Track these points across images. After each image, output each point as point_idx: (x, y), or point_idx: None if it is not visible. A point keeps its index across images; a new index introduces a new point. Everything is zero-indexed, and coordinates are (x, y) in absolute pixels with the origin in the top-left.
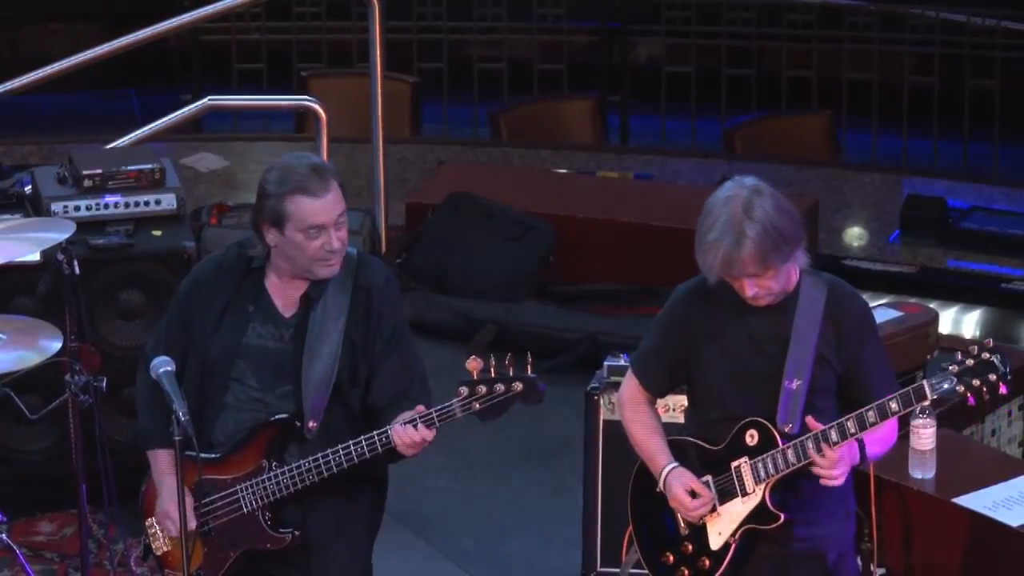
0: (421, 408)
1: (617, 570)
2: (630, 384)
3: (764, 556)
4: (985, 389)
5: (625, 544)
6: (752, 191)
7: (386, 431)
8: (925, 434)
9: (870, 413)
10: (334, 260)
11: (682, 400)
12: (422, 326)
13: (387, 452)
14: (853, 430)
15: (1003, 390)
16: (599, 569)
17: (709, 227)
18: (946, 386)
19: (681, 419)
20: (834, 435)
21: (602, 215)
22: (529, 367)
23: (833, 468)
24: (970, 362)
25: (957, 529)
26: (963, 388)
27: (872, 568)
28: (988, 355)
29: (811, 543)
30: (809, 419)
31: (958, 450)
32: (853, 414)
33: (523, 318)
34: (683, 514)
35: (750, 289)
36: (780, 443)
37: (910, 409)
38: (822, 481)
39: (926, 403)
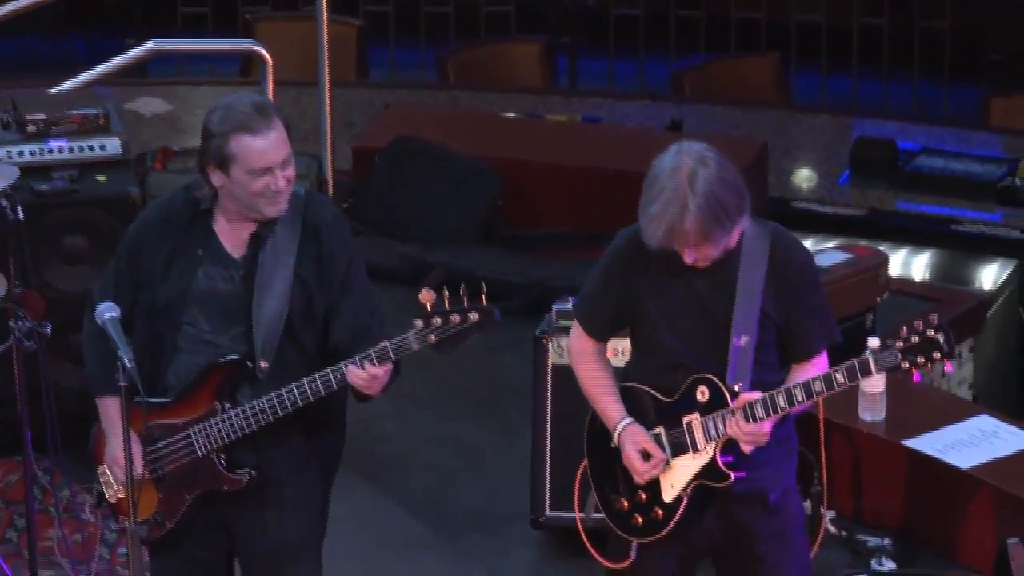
0: (385, 344)
1: (566, 514)
2: (576, 331)
3: (707, 501)
4: (930, 367)
5: (577, 486)
6: (698, 161)
7: (340, 367)
8: (875, 377)
9: (816, 383)
10: (280, 199)
11: (626, 343)
12: (370, 272)
13: (357, 393)
14: (800, 398)
15: (948, 368)
16: (548, 513)
17: (654, 197)
18: (891, 361)
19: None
20: (781, 401)
21: (550, 159)
22: (484, 298)
23: (759, 436)
24: (915, 339)
25: (907, 472)
26: (908, 365)
27: (821, 510)
28: (934, 333)
29: (752, 482)
30: (747, 395)
31: (908, 393)
32: (799, 383)
33: (471, 263)
34: (635, 475)
35: (689, 256)
36: (730, 402)
37: (855, 382)
38: (744, 448)
39: (872, 375)
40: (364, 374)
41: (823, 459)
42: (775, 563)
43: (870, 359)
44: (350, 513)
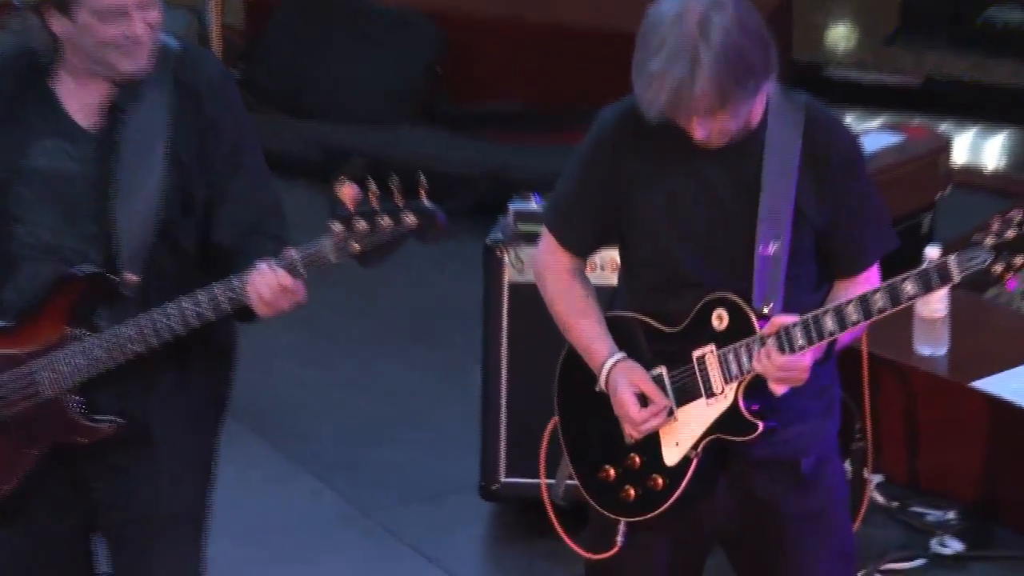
0: (292, 253)
1: (528, 481)
2: (548, 244)
3: (722, 466)
4: None
5: (544, 447)
6: (710, 4)
7: (237, 279)
8: (935, 298)
9: (877, 298)
10: (140, 50)
11: (614, 255)
12: (269, 161)
13: (238, 310)
14: (855, 318)
15: (1010, 286)
16: (503, 479)
17: (653, 51)
18: (979, 263)
19: (614, 280)
20: (829, 323)
21: (505, 11)
22: (423, 195)
23: (797, 372)
24: (1011, 233)
25: (980, 423)
26: (1001, 268)
27: (865, 474)
28: None
29: (781, 447)
30: (781, 318)
31: (978, 319)
32: (853, 298)
33: (403, 148)
34: (629, 427)
35: (701, 130)
36: (757, 328)
37: (930, 293)
38: (776, 388)
39: (953, 282)
40: (273, 281)
41: (866, 406)
42: (806, 556)
43: (952, 262)
44: (240, 476)
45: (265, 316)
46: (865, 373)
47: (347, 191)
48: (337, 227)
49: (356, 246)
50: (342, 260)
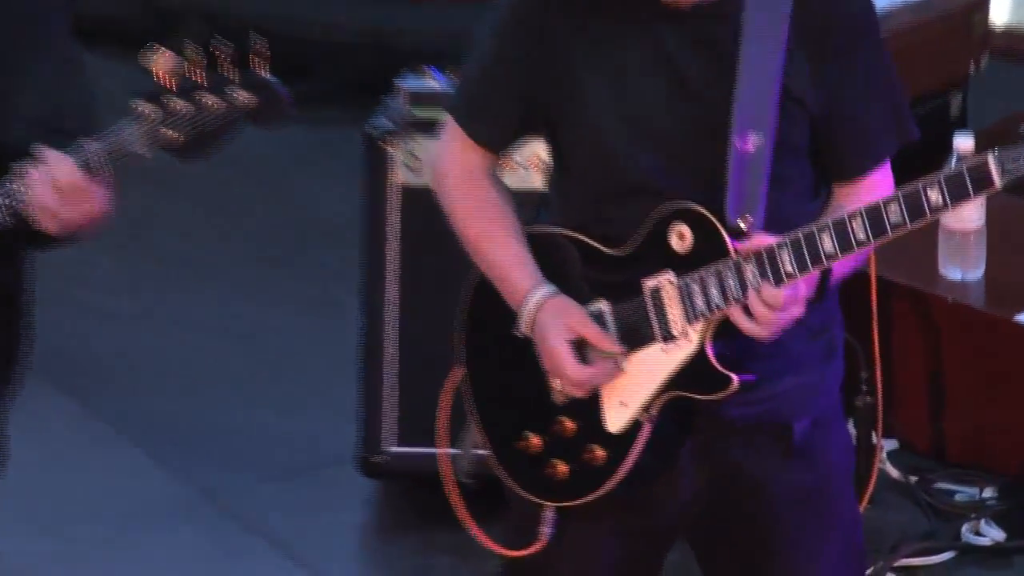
0: (86, 144)
1: (422, 450)
2: (451, 136)
3: (687, 433)
4: None
5: (444, 409)
6: None
7: (5, 182)
8: (968, 206)
9: (892, 208)
10: None
11: (539, 151)
12: (80, 27)
13: (36, 236)
14: (863, 236)
15: None
16: (391, 450)
17: None
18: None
19: (537, 183)
20: (827, 242)
21: None
22: (261, 66)
23: (773, 318)
24: None
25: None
26: None
27: (874, 439)
28: None
29: (764, 407)
30: (761, 238)
31: (1017, 231)
32: (860, 209)
33: (252, 6)
34: (564, 384)
35: None
36: (731, 249)
37: (962, 204)
38: (756, 331)
39: (993, 189)
40: (61, 179)
41: (876, 350)
42: (801, 552)
43: (992, 161)
44: (50, 455)
45: (60, 235)
46: (874, 306)
47: (162, 61)
48: (146, 108)
49: (172, 133)
50: (154, 152)
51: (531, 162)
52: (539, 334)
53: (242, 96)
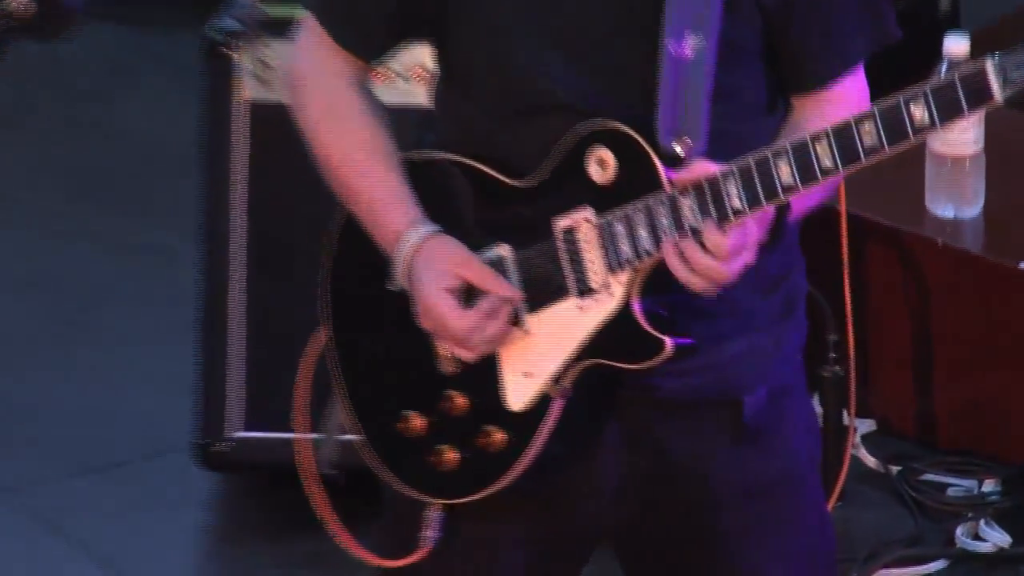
0: None
1: (274, 436)
2: (311, 39)
3: (610, 412)
4: None
5: (302, 386)
6: None
7: None
8: (961, 126)
9: (866, 128)
10: None
11: (423, 59)
12: None
13: None
14: (828, 163)
15: None
16: (235, 434)
17: None
18: None
19: (420, 99)
20: (784, 171)
21: None
22: None
23: (717, 267)
24: None
25: None
26: None
27: (845, 419)
28: None
29: (707, 378)
30: (703, 165)
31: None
32: (826, 129)
33: None
34: (449, 344)
35: None
36: (664, 180)
37: (953, 122)
38: (695, 284)
39: (993, 104)
40: None
41: (848, 306)
42: (754, 558)
43: (990, 69)
44: None
45: None
46: (845, 252)
47: None
48: None
49: None
50: None
51: (413, 72)
52: (414, 285)
53: (15, 2)
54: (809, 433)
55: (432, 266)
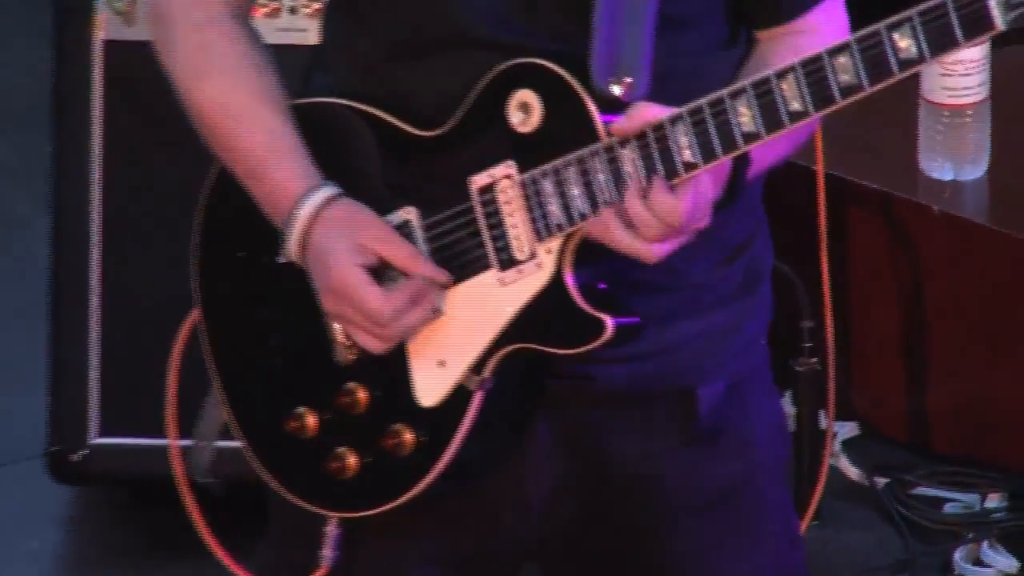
0: None
1: (139, 441)
2: None
3: (539, 407)
4: None
5: (172, 380)
6: None
7: None
8: (961, 65)
9: (843, 62)
10: None
11: None
12: None
13: None
14: (798, 105)
15: None
16: (93, 441)
17: None
18: None
19: (311, 37)
20: (743, 114)
21: None
22: None
23: (664, 231)
24: None
25: None
26: None
27: (822, 421)
28: None
29: (654, 365)
30: (649, 108)
31: None
32: (794, 64)
33: None
34: (359, 330)
35: None
36: (600, 129)
37: (943, 55)
38: (642, 253)
39: (993, 31)
40: None
41: (826, 285)
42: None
43: None
44: None
45: None
46: (822, 219)
47: None
48: None
49: None
50: None
51: (301, 5)
52: (316, 259)
53: None
54: (776, 431)
55: (339, 239)
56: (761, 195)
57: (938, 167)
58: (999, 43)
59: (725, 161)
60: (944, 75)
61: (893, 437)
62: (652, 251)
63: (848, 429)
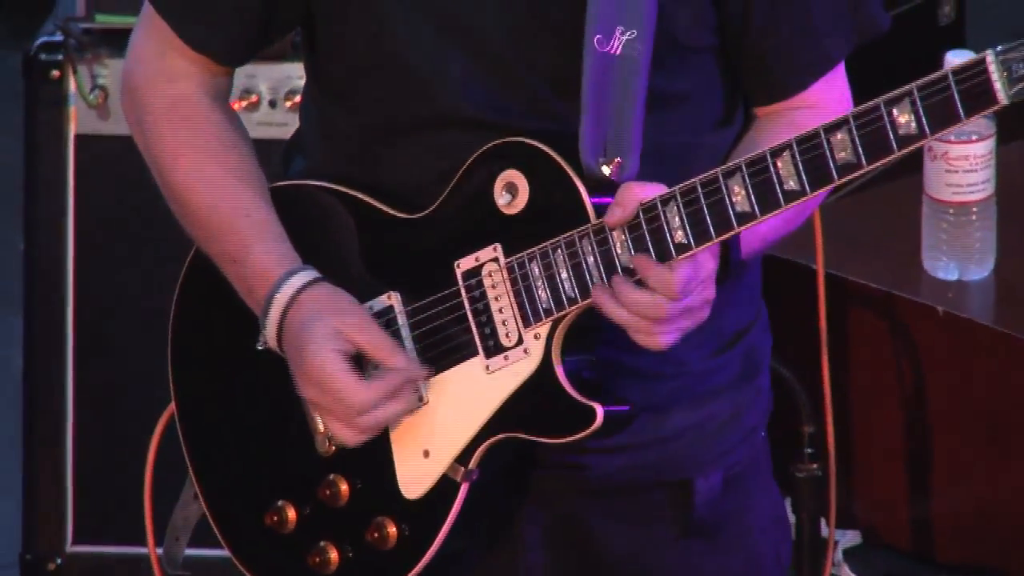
0: None
1: (116, 550)
2: (155, 45)
3: (529, 492)
4: None
5: (148, 481)
6: None
7: None
8: (971, 159)
9: (838, 138)
10: None
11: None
12: None
13: None
14: (793, 184)
15: None
16: (68, 549)
17: None
18: None
19: (289, 125)
20: (741, 197)
21: None
22: None
23: (667, 305)
24: None
25: None
26: None
27: (824, 530)
28: None
29: (651, 454)
30: (641, 187)
31: None
32: (793, 139)
33: None
34: (335, 419)
35: None
36: (590, 208)
37: (944, 131)
38: (644, 339)
39: (996, 106)
40: None
41: (827, 389)
42: None
43: (990, 61)
44: None
45: None
46: (823, 320)
47: None
48: None
49: None
50: None
51: (282, 96)
52: (294, 344)
53: None
54: (777, 527)
55: (321, 322)
56: (761, 286)
57: (942, 266)
58: (1005, 138)
59: (717, 243)
60: (948, 171)
61: (896, 546)
62: (658, 337)
63: (850, 537)
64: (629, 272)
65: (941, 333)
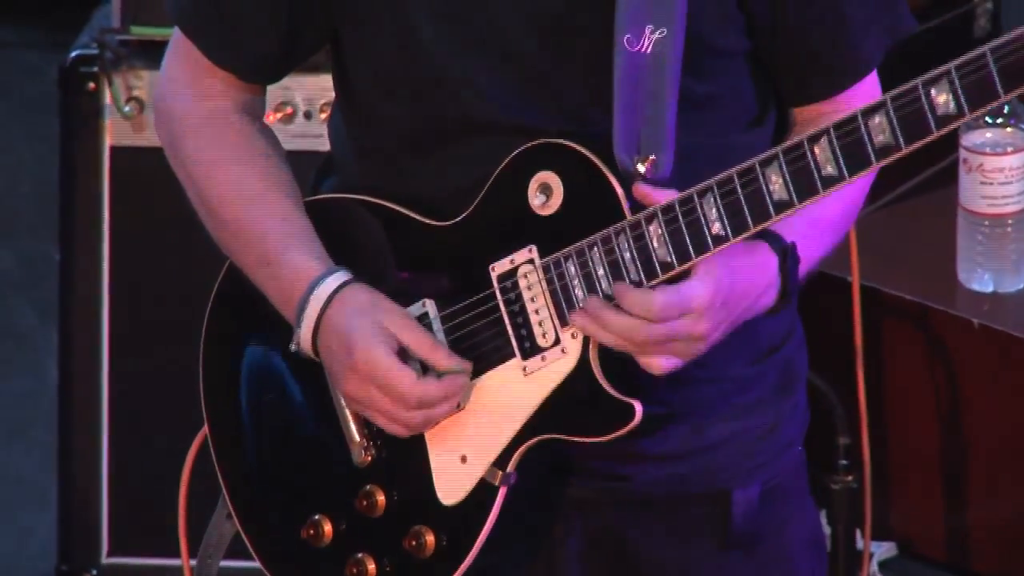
0: None
1: (150, 562)
2: (186, 63)
3: (569, 503)
4: None
5: (183, 495)
6: None
7: None
8: (1006, 171)
9: (876, 121)
10: None
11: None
12: None
13: None
14: (831, 170)
15: None
16: (104, 561)
17: None
18: None
19: (324, 136)
20: (779, 187)
21: None
22: None
23: (646, 338)
24: None
25: None
26: None
27: (859, 542)
28: None
29: (689, 465)
30: (659, 192)
31: None
32: (828, 126)
33: None
34: (383, 411)
35: None
36: (625, 206)
37: (983, 110)
38: (671, 354)
39: None
40: None
41: (862, 403)
42: None
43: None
44: None
45: None
46: (858, 333)
47: None
48: None
49: None
50: None
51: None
52: (335, 339)
53: None
54: (813, 547)
55: (366, 318)
56: (797, 301)
57: (978, 278)
58: None
59: (754, 231)
60: (983, 183)
61: (932, 557)
62: (650, 360)
63: (885, 549)
64: (667, 267)
65: (977, 345)
